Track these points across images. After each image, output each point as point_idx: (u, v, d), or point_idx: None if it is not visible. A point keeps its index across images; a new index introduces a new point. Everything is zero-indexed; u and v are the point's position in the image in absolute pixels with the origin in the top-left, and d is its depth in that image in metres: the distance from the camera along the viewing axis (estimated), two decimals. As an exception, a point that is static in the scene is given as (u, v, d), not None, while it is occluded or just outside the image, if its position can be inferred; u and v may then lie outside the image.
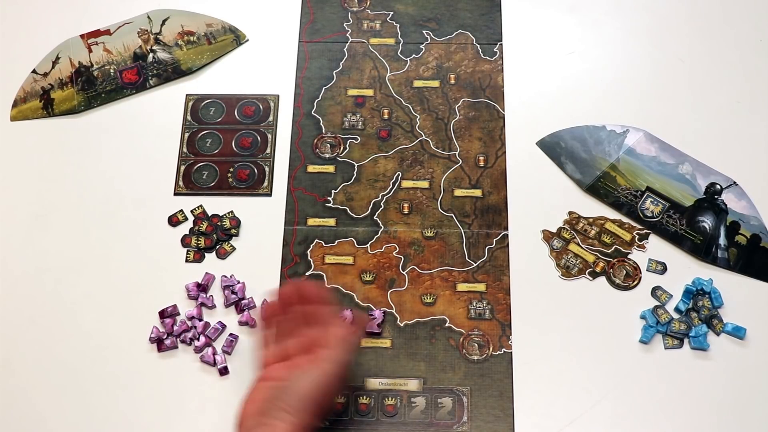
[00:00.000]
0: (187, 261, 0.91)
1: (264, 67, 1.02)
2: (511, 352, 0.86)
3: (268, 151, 0.97)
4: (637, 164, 0.94)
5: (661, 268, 0.89)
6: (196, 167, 0.96)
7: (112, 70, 1.02)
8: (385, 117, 0.99)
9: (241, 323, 0.87)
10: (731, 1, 1.05)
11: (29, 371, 0.85)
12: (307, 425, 0.69)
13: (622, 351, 0.85)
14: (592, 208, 0.93)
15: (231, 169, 0.96)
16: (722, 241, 0.90)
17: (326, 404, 0.73)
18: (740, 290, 0.88)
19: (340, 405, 0.84)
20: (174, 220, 0.93)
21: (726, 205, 0.92)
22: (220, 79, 1.02)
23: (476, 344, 0.86)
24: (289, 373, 0.71)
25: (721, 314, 0.87)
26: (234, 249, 0.92)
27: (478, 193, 0.94)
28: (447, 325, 0.87)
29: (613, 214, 0.93)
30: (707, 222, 0.91)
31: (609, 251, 0.90)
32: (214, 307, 0.88)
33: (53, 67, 1.02)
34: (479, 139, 0.97)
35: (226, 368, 0.85)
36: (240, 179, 0.95)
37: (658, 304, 0.87)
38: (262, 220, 0.93)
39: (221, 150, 0.97)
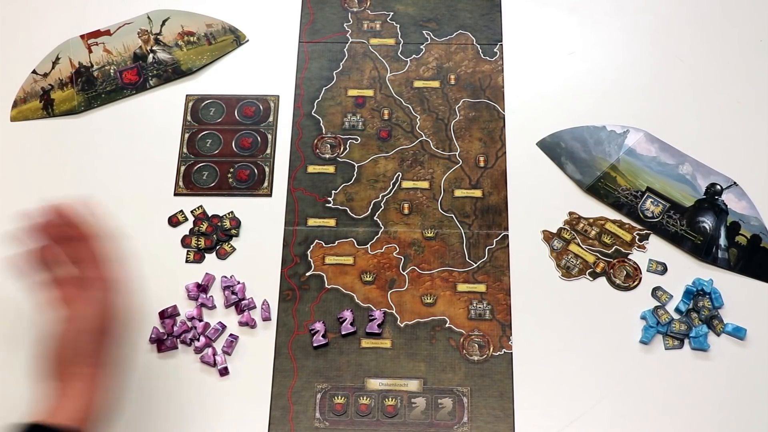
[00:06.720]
0: (187, 261, 0.91)
1: (264, 67, 1.02)
2: (512, 353, 0.86)
3: (268, 151, 0.97)
4: (637, 164, 0.94)
5: (662, 269, 0.89)
6: (196, 168, 0.96)
7: (112, 71, 1.01)
8: (386, 117, 0.99)
9: (241, 324, 0.87)
10: (731, 1, 1.05)
11: (29, 371, 0.85)
12: (99, 371, 0.68)
13: (623, 351, 0.85)
14: (593, 208, 0.93)
15: (231, 170, 0.96)
16: (722, 241, 0.90)
17: (106, 347, 0.70)
18: (741, 291, 0.88)
19: (340, 406, 0.84)
20: (174, 221, 0.93)
21: (726, 206, 0.92)
22: (220, 79, 1.02)
23: (476, 345, 0.86)
24: (67, 320, 0.69)
25: (722, 315, 0.87)
26: (234, 249, 0.91)
27: (478, 193, 0.94)
28: (447, 325, 0.87)
29: (613, 214, 0.93)
30: (707, 222, 0.91)
31: (609, 252, 0.90)
32: (214, 307, 0.88)
33: (53, 67, 1.02)
34: (479, 140, 0.97)
35: (226, 369, 0.85)
36: (240, 179, 0.95)
37: (659, 304, 0.87)
38: (262, 221, 0.93)
39: (221, 150, 0.97)
